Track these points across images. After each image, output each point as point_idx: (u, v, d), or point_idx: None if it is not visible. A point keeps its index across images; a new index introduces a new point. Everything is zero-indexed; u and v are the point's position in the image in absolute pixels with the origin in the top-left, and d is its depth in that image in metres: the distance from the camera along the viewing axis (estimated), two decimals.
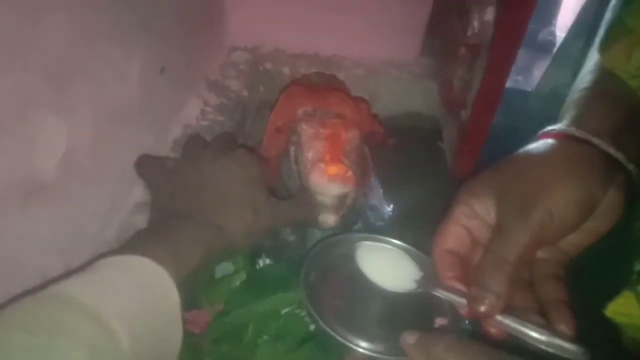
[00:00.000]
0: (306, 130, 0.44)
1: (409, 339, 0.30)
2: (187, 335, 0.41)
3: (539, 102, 0.71)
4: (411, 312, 0.36)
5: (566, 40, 0.71)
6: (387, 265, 0.37)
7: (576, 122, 0.34)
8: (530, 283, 0.33)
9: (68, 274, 0.29)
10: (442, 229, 0.34)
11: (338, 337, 0.33)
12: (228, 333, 0.40)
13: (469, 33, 0.44)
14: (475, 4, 0.44)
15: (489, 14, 0.42)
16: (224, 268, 0.48)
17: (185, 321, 0.42)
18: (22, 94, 0.29)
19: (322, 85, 0.51)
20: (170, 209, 0.39)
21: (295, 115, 0.47)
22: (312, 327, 0.40)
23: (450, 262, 0.33)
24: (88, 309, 0.26)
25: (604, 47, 0.38)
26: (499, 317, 0.29)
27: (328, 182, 0.42)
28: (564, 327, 0.29)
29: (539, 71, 1.07)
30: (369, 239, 0.39)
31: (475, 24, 0.44)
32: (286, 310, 0.41)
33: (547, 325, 0.30)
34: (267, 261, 0.48)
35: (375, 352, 0.33)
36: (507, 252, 0.30)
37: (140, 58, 0.45)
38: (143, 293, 0.30)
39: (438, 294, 0.32)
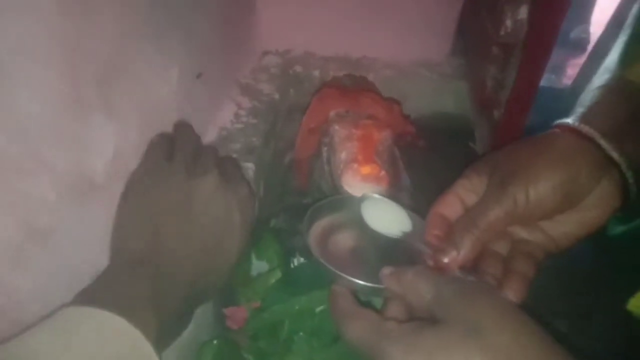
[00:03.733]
0: (339, 131, 0.45)
1: (386, 270, 0.33)
2: (226, 331, 0.43)
3: (575, 100, 0.69)
4: (398, 261, 0.37)
5: (603, 36, 0.69)
6: (386, 217, 0.39)
7: (581, 118, 0.35)
8: (504, 258, 0.35)
9: (32, 327, 0.26)
10: (441, 197, 0.37)
11: (326, 264, 0.35)
12: (265, 329, 0.42)
13: (502, 32, 0.44)
14: (508, 3, 0.44)
15: (523, 13, 0.42)
16: (259, 266, 0.49)
17: (224, 317, 0.44)
18: (76, 97, 0.31)
19: (353, 87, 0.52)
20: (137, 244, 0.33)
21: (328, 117, 0.48)
22: None
23: (437, 223, 0.36)
24: None
25: (626, 63, 0.38)
26: (457, 272, 0.33)
27: (361, 182, 0.42)
28: (509, 293, 0.31)
29: (572, 69, 1.05)
30: (376, 196, 0.41)
31: (509, 23, 0.44)
32: (321, 308, 0.42)
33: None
34: (301, 260, 0.49)
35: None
36: (478, 218, 0.33)
37: (179, 62, 0.47)
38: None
39: (417, 245, 0.36)
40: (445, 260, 0.33)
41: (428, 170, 0.59)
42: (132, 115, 0.38)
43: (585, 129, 0.34)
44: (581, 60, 0.76)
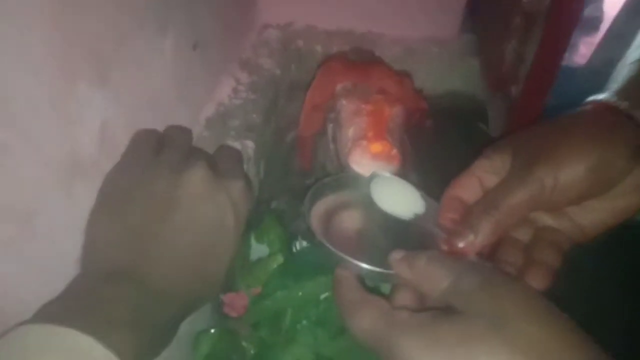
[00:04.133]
0: (346, 106, 0.42)
1: (396, 255, 0.30)
2: (224, 319, 0.41)
3: (590, 79, 0.66)
4: (409, 245, 0.35)
5: (620, 15, 0.66)
6: (397, 197, 0.36)
7: (618, 93, 0.32)
8: (526, 247, 0.32)
9: None
10: (458, 178, 0.34)
11: (329, 246, 0.32)
12: (266, 318, 0.39)
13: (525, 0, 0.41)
14: None
15: None
16: (259, 250, 0.46)
17: (222, 304, 0.41)
18: (65, 67, 0.28)
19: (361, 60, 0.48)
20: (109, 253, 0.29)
21: (334, 91, 0.44)
22: None
23: (453, 205, 0.33)
24: None
25: None
26: (472, 258, 0.30)
27: (370, 161, 0.39)
28: (531, 284, 0.29)
29: (585, 47, 1.01)
30: (387, 175, 0.39)
31: None
32: (326, 295, 0.40)
33: None
34: (304, 243, 0.46)
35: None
36: (500, 200, 0.30)
37: (174, 34, 0.43)
38: None
39: (430, 229, 0.33)
40: (461, 244, 0.30)
41: (435, 152, 0.56)
42: (124, 88, 0.35)
43: (624, 105, 0.31)
44: (594, 39, 0.73)
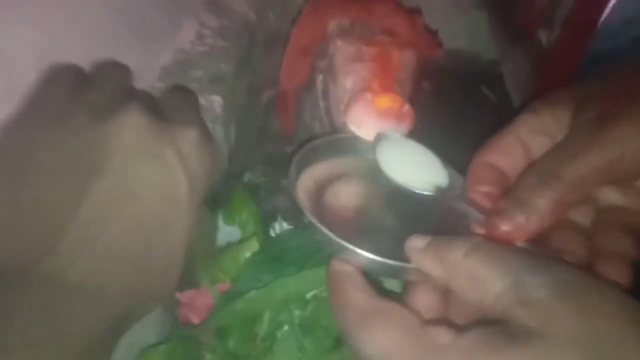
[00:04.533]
0: (342, 48, 0.32)
1: (417, 242, 0.22)
2: (180, 327, 0.31)
3: (608, 36, 0.58)
4: (428, 228, 0.27)
5: None
6: (412, 165, 0.29)
7: None
8: (588, 232, 0.25)
9: None
10: (493, 140, 0.26)
11: (323, 229, 0.24)
12: (236, 323, 0.30)
13: None
14: None
15: None
16: (229, 233, 0.37)
17: (177, 305, 0.32)
18: None
19: None
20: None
21: (326, 30, 0.35)
22: None
23: (487, 176, 0.25)
24: None
25: None
26: (520, 243, 0.22)
27: (376, 120, 0.30)
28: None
29: None
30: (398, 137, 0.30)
31: None
32: (314, 292, 0.31)
33: None
34: (285, 226, 0.37)
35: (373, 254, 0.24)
36: (562, 168, 0.22)
37: None
38: None
39: (457, 206, 0.26)
40: (506, 227, 0.22)
41: (431, 120, 0.48)
42: (49, 18, 0.25)
43: None
44: None
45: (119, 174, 0.21)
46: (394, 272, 0.26)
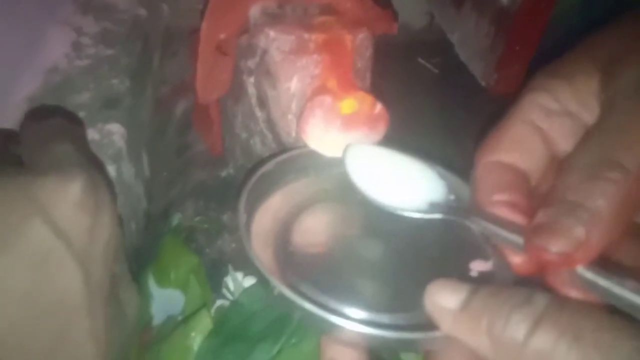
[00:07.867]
0: (278, 39, 0.24)
1: (444, 299, 0.16)
2: None
3: None
4: (431, 257, 0.22)
5: None
6: (396, 183, 0.22)
7: None
8: None
9: None
10: (496, 132, 0.20)
11: (307, 306, 0.17)
12: None
13: None
14: None
15: None
16: (166, 300, 0.28)
17: None
18: None
19: None
20: None
21: (247, 19, 0.26)
22: None
23: (503, 180, 0.19)
24: None
25: None
26: (582, 270, 0.16)
27: (343, 130, 0.22)
28: None
29: None
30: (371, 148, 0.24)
31: None
32: None
33: None
34: (240, 278, 0.28)
35: (376, 327, 0.17)
36: (620, 151, 0.17)
37: None
38: None
39: (473, 225, 0.20)
40: (559, 248, 0.16)
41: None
42: None
43: None
44: None
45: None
46: (404, 346, 0.20)
